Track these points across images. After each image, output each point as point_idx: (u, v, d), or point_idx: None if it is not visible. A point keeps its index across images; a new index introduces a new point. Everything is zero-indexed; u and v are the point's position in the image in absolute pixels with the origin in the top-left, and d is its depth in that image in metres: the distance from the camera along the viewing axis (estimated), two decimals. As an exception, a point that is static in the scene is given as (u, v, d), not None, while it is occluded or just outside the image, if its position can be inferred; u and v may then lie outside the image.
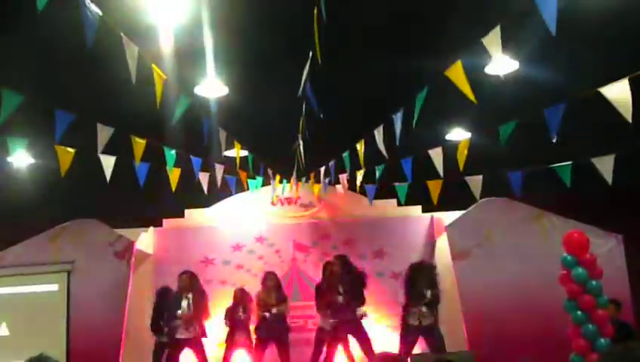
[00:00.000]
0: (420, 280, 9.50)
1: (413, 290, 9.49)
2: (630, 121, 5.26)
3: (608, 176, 6.53)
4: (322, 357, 9.75)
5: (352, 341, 9.77)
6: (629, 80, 5.28)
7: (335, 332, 9.63)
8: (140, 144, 7.20)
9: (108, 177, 7.16)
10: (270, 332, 9.89)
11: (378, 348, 9.73)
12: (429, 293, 9.39)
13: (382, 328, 10.60)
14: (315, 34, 5.30)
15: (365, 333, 9.71)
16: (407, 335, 9.46)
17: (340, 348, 9.77)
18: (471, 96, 5.62)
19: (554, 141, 6.06)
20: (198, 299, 9.68)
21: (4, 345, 10.04)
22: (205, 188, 8.84)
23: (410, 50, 8.08)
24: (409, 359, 9.13)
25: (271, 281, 10.12)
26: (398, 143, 7.00)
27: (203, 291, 9.87)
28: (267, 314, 9.86)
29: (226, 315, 10.09)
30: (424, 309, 9.35)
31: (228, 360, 9.93)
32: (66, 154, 6.70)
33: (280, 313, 9.93)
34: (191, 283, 9.76)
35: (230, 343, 9.96)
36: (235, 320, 9.99)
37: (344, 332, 9.69)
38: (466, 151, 7.32)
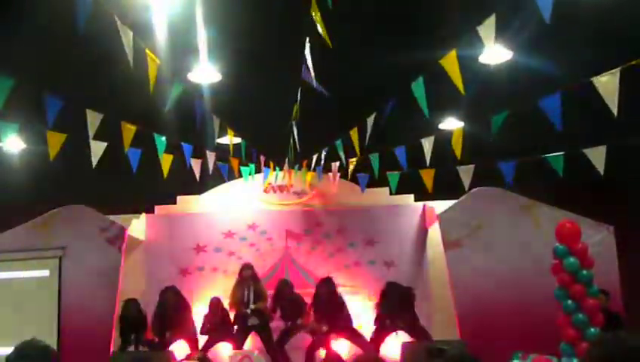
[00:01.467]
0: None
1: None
2: (616, 113, 5.29)
3: (600, 167, 6.55)
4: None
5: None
6: (621, 71, 5.30)
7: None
8: (129, 130, 7.16)
9: (94, 163, 7.11)
10: (250, 327, 9.96)
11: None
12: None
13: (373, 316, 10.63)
14: (316, 20, 5.29)
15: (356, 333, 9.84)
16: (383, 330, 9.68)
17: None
18: (461, 88, 5.64)
19: (559, 130, 6.06)
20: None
21: (-5, 330, 10.03)
22: (197, 175, 8.81)
23: (405, 39, 8.06)
24: (400, 347, 9.21)
25: (247, 273, 10.12)
26: (383, 130, 7.02)
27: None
28: (248, 311, 9.89)
29: (203, 325, 10.13)
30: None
31: (208, 349, 9.97)
32: (56, 138, 6.66)
33: (258, 309, 9.95)
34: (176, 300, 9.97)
35: (212, 339, 10.08)
36: (213, 326, 10.05)
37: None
38: (460, 140, 7.32)
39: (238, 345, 9.82)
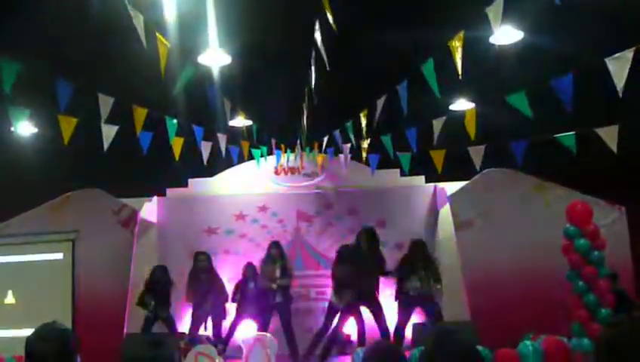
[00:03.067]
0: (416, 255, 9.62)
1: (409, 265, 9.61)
2: (621, 94, 5.28)
3: (613, 147, 6.50)
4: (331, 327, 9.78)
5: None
6: (635, 50, 5.27)
7: (349, 307, 9.60)
8: (141, 113, 7.18)
9: (106, 146, 7.14)
10: (273, 304, 9.98)
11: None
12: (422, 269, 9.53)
13: (385, 297, 10.67)
14: (324, 4, 5.27)
15: (379, 305, 9.75)
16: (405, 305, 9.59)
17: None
18: (459, 72, 5.66)
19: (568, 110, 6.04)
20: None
21: (10, 312, 10.12)
22: (205, 157, 8.82)
23: (416, 19, 8.01)
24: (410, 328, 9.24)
25: (275, 251, 10.16)
26: (405, 113, 6.99)
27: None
28: (274, 286, 9.93)
29: (236, 289, 10.20)
30: (418, 283, 9.46)
31: (235, 328, 10.05)
32: (69, 123, 6.69)
33: (283, 285, 9.99)
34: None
35: (239, 314, 10.10)
36: (244, 293, 10.09)
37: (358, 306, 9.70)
38: (474, 121, 7.30)
39: (264, 324, 9.85)
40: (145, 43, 5.36)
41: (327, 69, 6.57)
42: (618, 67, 5.36)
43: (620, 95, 5.31)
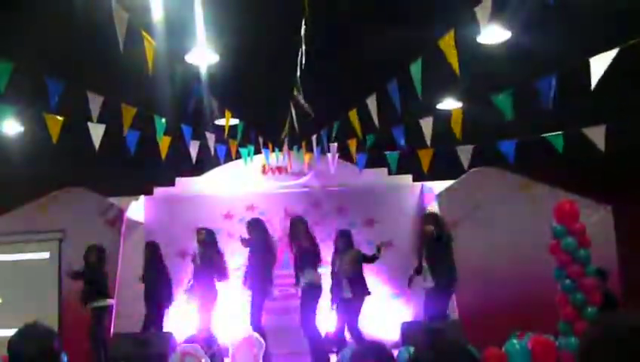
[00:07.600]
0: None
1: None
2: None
3: (601, 145, 6.54)
4: None
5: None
6: (619, 50, 5.30)
7: None
8: (129, 112, 7.14)
9: (97, 146, 7.10)
10: None
11: (371, 315, 9.90)
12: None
13: (373, 295, 10.67)
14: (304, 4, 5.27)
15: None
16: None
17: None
18: (456, 69, 5.65)
19: (549, 109, 6.07)
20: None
21: (-4, 311, 10.09)
22: (194, 156, 8.78)
23: (404, 18, 8.02)
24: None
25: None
26: (399, 111, 6.98)
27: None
28: None
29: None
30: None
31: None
32: (56, 122, 6.65)
33: None
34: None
35: None
36: None
37: None
38: (460, 121, 7.31)
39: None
40: (122, 42, 5.30)
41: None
42: (599, 66, 5.41)
43: (592, 89, 5.36)
